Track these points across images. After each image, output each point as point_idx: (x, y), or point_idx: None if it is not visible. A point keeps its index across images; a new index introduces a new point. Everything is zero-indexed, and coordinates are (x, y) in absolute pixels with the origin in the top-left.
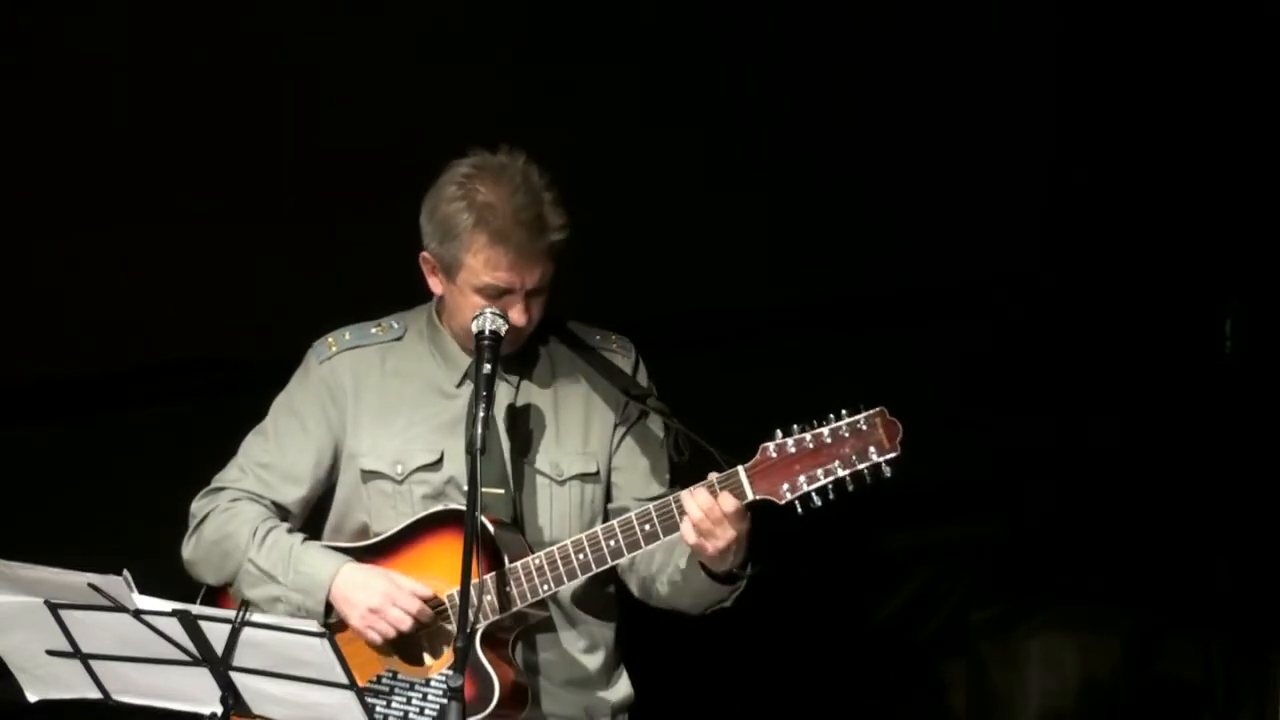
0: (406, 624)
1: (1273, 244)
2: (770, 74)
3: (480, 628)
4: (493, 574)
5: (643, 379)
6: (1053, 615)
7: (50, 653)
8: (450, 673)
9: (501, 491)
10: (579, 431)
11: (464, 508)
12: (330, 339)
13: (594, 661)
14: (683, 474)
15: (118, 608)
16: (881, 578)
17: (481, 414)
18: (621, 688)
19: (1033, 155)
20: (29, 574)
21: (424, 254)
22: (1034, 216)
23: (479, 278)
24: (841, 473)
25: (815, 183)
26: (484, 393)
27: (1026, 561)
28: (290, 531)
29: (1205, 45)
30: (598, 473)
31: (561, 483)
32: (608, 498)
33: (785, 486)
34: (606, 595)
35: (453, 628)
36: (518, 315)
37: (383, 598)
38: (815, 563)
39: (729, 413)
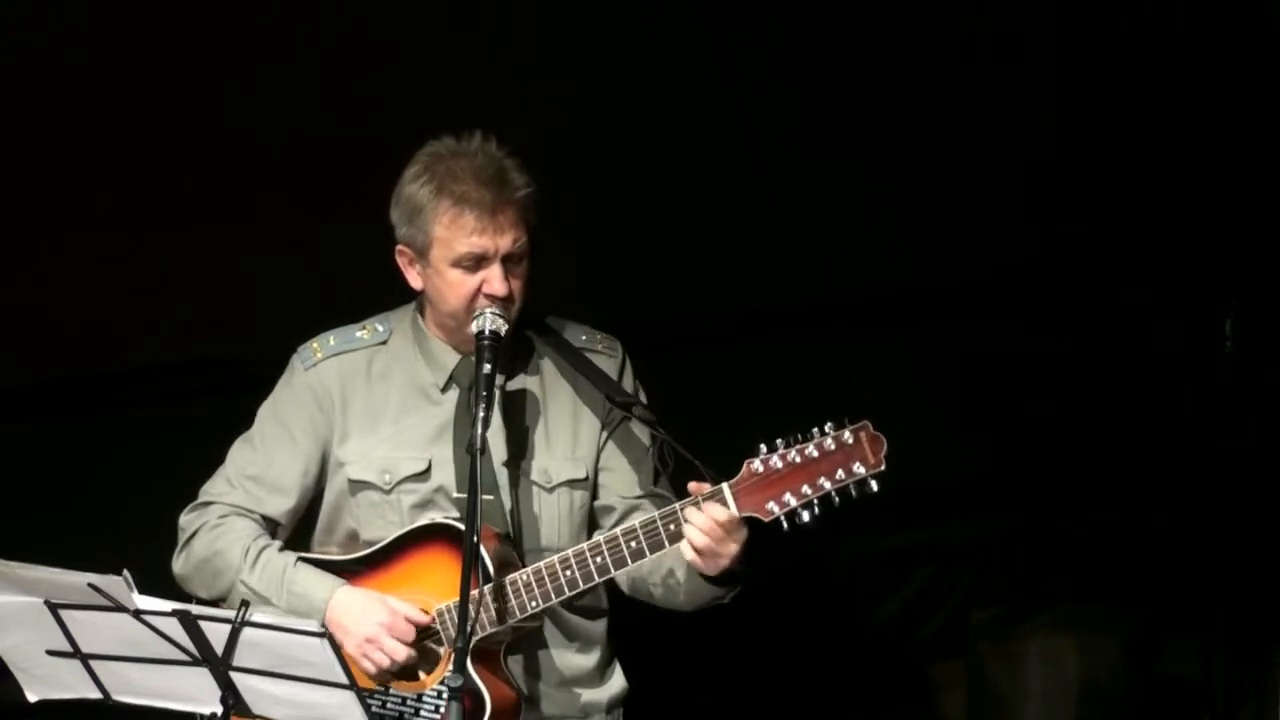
0: (402, 654)
1: (1273, 244)
2: (771, 74)
3: (472, 642)
4: (485, 588)
5: (629, 380)
6: (1053, 615)
7: (50, 653)
8: (449, 673)
9: (491, 498)
10: (568, 436)
11: (453, 521)
12: (315, 344)
13: (587, 660)
14: (672, 473)
15: (118, 608)
16: (881, 578)
17: (481, 414)
18: (615, 683)
19: (1032, 155)
20: (29, 574)
21: (398, 247)
22: (1034, 217)
23: (451, 248)
24: (826, 488)
25: (815, 183)
26: (484, 392)
27: (1026, 561)
28: (281, 550)
29: (1205, 45)
30: (586, 477)
31: (550, 489)
32: (594, 496)
33: (771, 504)
34: (596, 595)
35: (445, 645)
36: (499, 285)
37: (379, 627)
38: (815, 562)
39: (727, 413)
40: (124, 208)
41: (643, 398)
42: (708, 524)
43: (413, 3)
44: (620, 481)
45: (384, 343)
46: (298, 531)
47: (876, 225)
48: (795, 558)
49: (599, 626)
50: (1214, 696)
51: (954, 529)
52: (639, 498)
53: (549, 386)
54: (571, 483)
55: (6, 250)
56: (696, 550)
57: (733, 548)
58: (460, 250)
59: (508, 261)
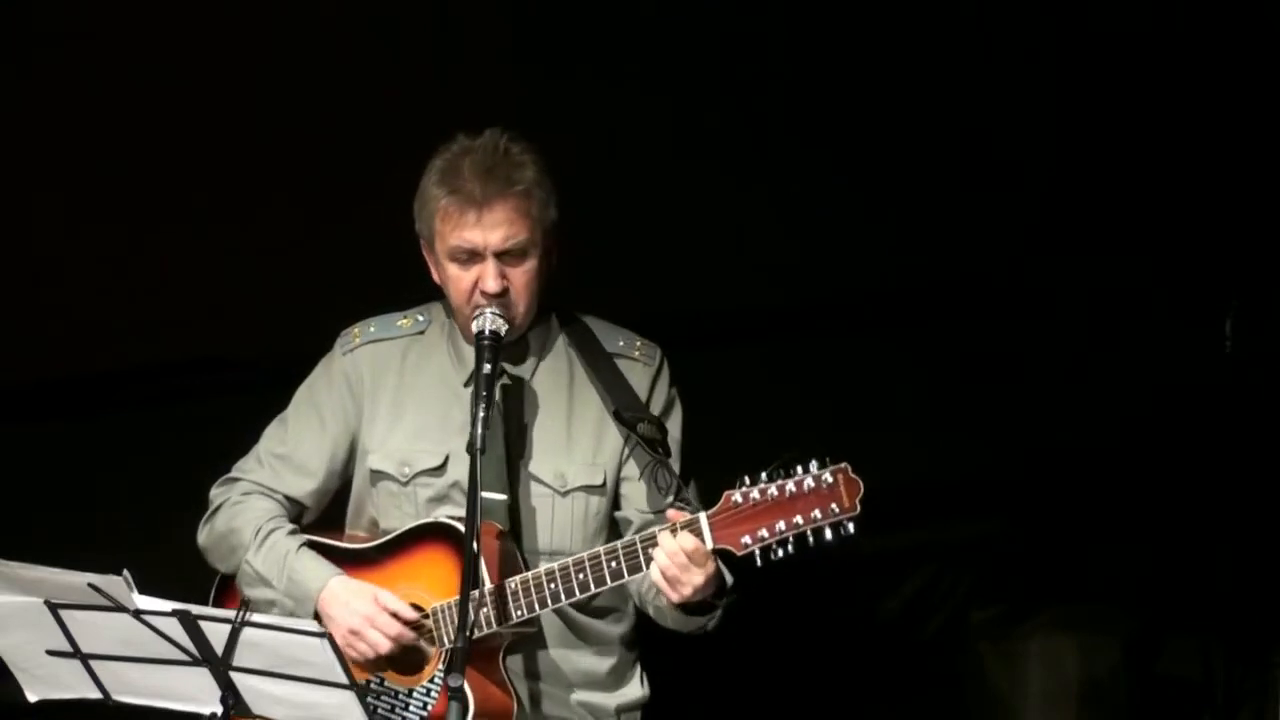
0: (384, 647)
1: (1273, 244)
2: (771, 74)
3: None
4: (479, 591)
5: (662, 390)
6: (1053, 615)
7: (50, 653)
8: (450, 673)
9: (502, 497)
10: (590, 441)
11: (455, 522)
12: (355, 329)
13: (599, 664)
14: (697, 487)
15: (118, 608)
16: (881, 578)
17: (481, 414)
18: (632, 689)
19: (1033, 155)
20: (29, 574)
21: (422, 240)
22: (1034, 216)
23: (446, 241)
24: (800, 526)
25: (815, 182)
26: (484, 392)
27: (1026, 561)
28: (290, 534)
29: (1205, 45)
30: (603, 484)
31: (564, 494)
32: (616, 506)
33: (745, 538)
34: (612, 597)
35: (437, 644)
36: (490, 281)
37: (362, 620)
38: (815, 563)
39: (727, 414)
40: (124, 208)
41: (677, 408)
42: (673, 551)
43: (415, 3)
44: (640, 494)
45: (421, 333)
46: (333, 513)
47: (876, 225)
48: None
49: (615, 630)
50: (1214, 696)
51: (954, 529)
52: (658, 512)
53: (577, 389)
54: (588, 488)
55: (7, 250)
56: (661, 575)
57: (698, 579)
58: (451, 243)
59: (504, 258)
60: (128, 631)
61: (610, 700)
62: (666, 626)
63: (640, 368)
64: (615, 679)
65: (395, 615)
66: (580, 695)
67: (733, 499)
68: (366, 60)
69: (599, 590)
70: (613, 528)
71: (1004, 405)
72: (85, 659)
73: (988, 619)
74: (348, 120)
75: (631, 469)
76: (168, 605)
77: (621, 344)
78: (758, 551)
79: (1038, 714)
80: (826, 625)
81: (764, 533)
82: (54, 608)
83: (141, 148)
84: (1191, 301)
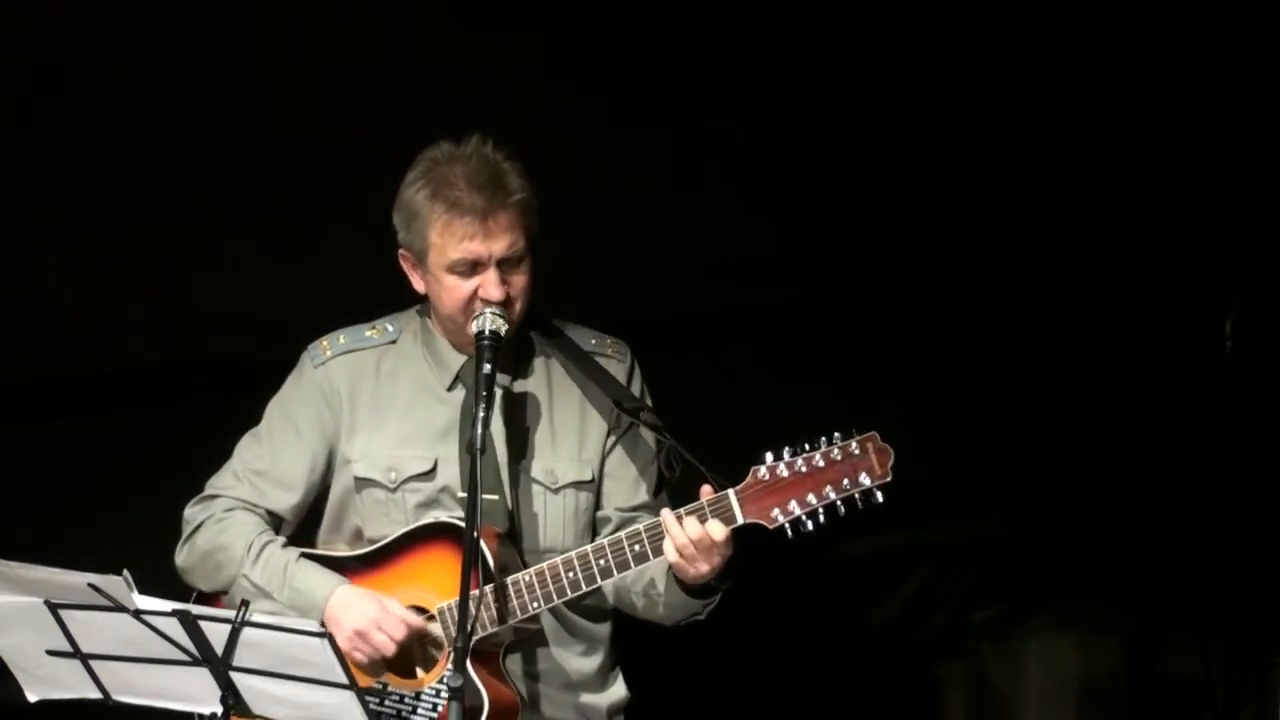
0: (390, 649)
1: (1273, 244)
2: (770, 74)
3: (472, 641)
4: (486, 588)
5: (637, 385)
6: (1053, 615)
7: (50, 653)
8: (450, 673)
9: (496, 498)
10: (574, 438)
11: (457, 520)
12: (325, 342)
13: (589, 664)
14: (673, 487)
15: (118, 608)
16: (881, 578)
17: (481, 414)
18: (617, 689)
19: (1032, 154)
20: (29, 574)
21: (400, 251)
22: (1034, 216)
23: (446, 254)
24: (832, 498)
25: (814, 182)
26: (484, 392)
27: (1026, 561)
28: (285, 546)
29: (1205, 45)
30: (592, 480)
31: (556, 490)
32: (597, 504)
33: (776, 511)
34: (600, 596)
35: (445, 644)
36: (494, 290)
37: (369, 622)
38: (814, 563)
39: (726, 415)
40: (124, 208)
41: (648, 402)
42: (697, 532)
43: (414, 4)
44: (621, 491)
45: (393, 343)
46: (304, 526)
47: (875, 225)
48: (795, 558)
49: (603, 629)
50: (1214, 696)
51: (954, 529)
52: (635, 509)
53: (556, 389)
54: (578, 484)
55: (7, 250)
56: (680, 553)
57: (716, 559)
58: (453, 256)
59: (504, 265)
60: (128, 631)
61: (602, 700)
62: (653, 618)
63: (616, 364)
64: (602, 679)
65: (403, 619)
66: (575, 695)
67: (759, 474)
68: (366, 62)
69: (620, 575)
70: (593, 526)
71: (1004, 405)
72: (85, 659)
73: (988, 619)
74: (347, 120)
75: (613, 465)
76: (168, 605)
77: (594, 342)
78: (788, 526)
79: (1038, 714)
80: (826, 625)
81: (794, 506)
82: (54, 608)
83: (141, 147)
84: (1191, 301)
